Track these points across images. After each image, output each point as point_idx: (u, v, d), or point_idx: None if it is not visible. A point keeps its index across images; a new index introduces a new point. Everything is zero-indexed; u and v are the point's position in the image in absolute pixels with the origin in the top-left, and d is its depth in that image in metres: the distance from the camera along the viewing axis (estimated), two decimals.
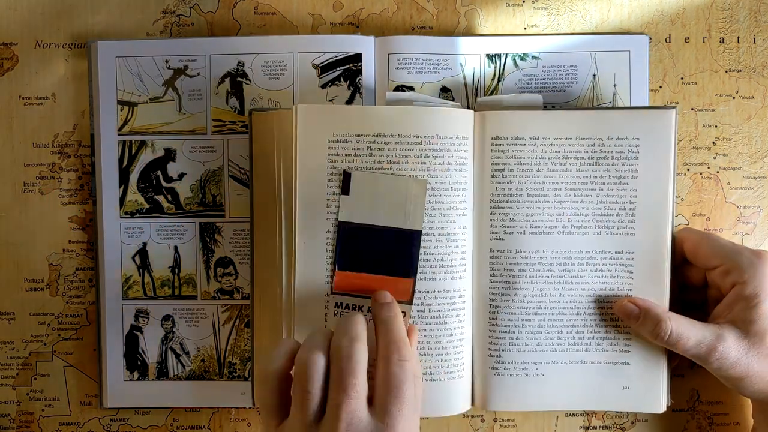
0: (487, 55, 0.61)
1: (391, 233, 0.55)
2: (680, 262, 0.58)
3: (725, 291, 0.55)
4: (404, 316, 0.54)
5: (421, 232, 0.55)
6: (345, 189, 0.55)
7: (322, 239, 0.56)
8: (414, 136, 0.55)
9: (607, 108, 0.60)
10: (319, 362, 0.48)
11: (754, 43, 0.62)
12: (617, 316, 0.57)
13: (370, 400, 0.48)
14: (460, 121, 0.56)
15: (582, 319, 0.57)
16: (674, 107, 0.57)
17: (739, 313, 0.53)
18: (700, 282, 0.58)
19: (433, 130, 0.55)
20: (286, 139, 0.56)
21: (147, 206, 0.61)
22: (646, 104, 0.61)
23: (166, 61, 0.61)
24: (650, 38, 0.61)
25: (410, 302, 0.55)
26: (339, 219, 0.55)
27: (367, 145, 0.55)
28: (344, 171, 0.55)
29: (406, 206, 0.55)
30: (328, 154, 0.55)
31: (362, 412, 0.47)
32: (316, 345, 0.49)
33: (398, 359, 0.49)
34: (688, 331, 0.53)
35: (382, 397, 0.48)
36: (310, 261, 0.56)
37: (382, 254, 0.55)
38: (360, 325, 0.50)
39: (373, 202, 0.55)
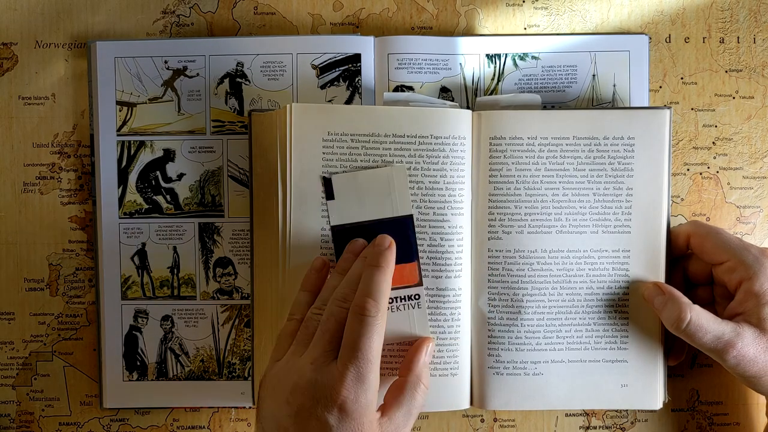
0: (487, 55, 0.61)
1: (383, 224, 0.56)
2: (685, 255, 0.58)
3: (732, 288, 0.55)
4: (417, 298, 0.55)
5: (412, 216, 0.56)
6: (329, 194, 0.56)
7: (316, 238, 0.56)
8: (408, 136, 0.55)
9: (603, 108, 0.60)
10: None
11: (754, 43, 0.62)
12: (645, 297, 0.56)
13: None
14: (456, 121, 0.56)
15: (580, 318, 0.57)
16: (669, 108, 0.57)
17: (752, 311, 0.53)
18: (704, 278, 0.58)
19: (428, 130, 0.55)
20: (282, 139, 0.56)
21: (146, 206, 0.61)
22: (646, 104, 0.61)
23: (165, 62, 0.61)
24: (650, 38, 0.61)
25: (420, 284, 0.56)
26: (331, 224, 0.56)
27: (362, 145, 0.55)
28: (323, 177, 0.55)
29: (391, 195, 0.56)
30: (323, 153, 0.56)
31: (330, 356, 0.50)
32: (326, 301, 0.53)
33: (358, 313, 0.50)
34: (707, 325, 0.53)
35: (342, 347, 0.50)
36: (305, 259, 0.56)
37: None
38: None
39: (359, 200, 0.56)
